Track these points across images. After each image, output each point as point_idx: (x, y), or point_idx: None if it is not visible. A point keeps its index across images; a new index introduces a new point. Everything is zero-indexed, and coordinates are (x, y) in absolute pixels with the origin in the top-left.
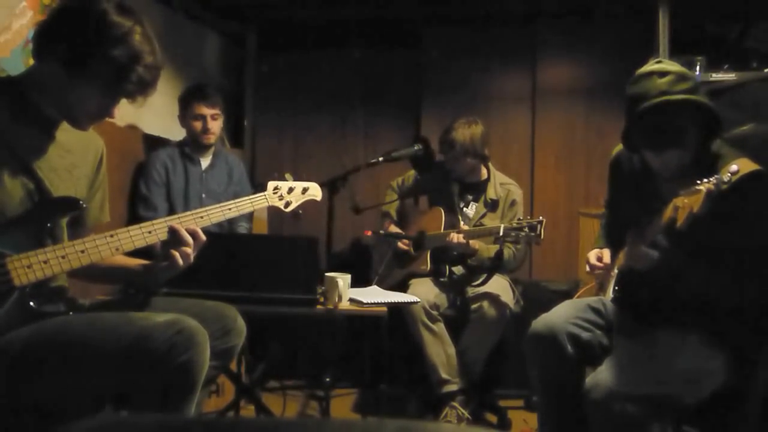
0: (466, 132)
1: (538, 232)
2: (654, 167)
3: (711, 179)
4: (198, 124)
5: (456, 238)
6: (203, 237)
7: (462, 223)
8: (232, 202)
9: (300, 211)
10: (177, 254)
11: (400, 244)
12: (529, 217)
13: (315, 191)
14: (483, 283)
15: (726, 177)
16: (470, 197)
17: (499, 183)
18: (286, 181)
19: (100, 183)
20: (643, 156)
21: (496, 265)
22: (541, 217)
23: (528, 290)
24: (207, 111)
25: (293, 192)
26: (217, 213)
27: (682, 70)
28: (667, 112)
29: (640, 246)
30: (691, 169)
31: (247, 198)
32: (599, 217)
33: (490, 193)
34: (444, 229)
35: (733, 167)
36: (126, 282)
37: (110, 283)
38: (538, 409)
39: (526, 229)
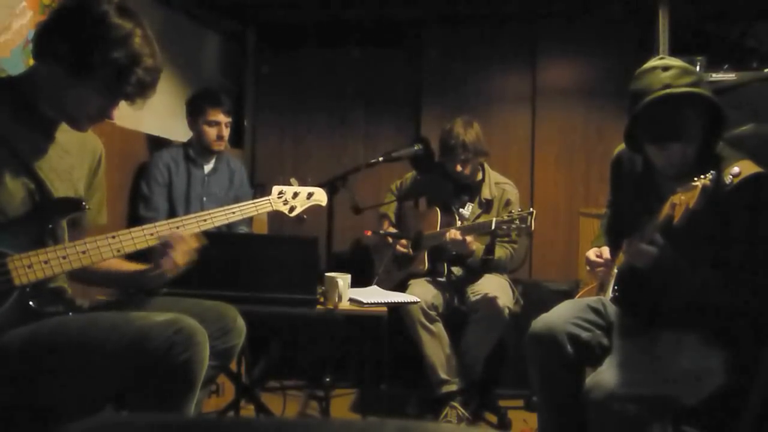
0: (472, 132)
1: (528, 223)
2: (656, 164)
3: (707, 175)
4: (213, 131)
5: (451, 234)
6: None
7: (459, 223)
8: (236, 205)
9: (304, 216)
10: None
11: (398, 246)
12: (519, 209)
13: (320, 196)
14: (476, 279)
15: (728, 179)
16: (465, 198)
17: (494, 183)
18: (291, 185)
19: (98, 185)
20: (645, 155)
21: (488, 258)
22: (531, 209)
23: (528, 290)
24: (223, 118)
25: (298, 197)
26: (221, 216)
27: (686, 65)
28: (670, 104)
29: (639, 243)
30: (693, 168)
31: (251, 202)
32: (599, 217)
33: (485, 193)
34: (440, 229)
35: (735, 169)
36: (121, 286)
37: (107, 287)
38: (538, 409)
39: (518, 221)
